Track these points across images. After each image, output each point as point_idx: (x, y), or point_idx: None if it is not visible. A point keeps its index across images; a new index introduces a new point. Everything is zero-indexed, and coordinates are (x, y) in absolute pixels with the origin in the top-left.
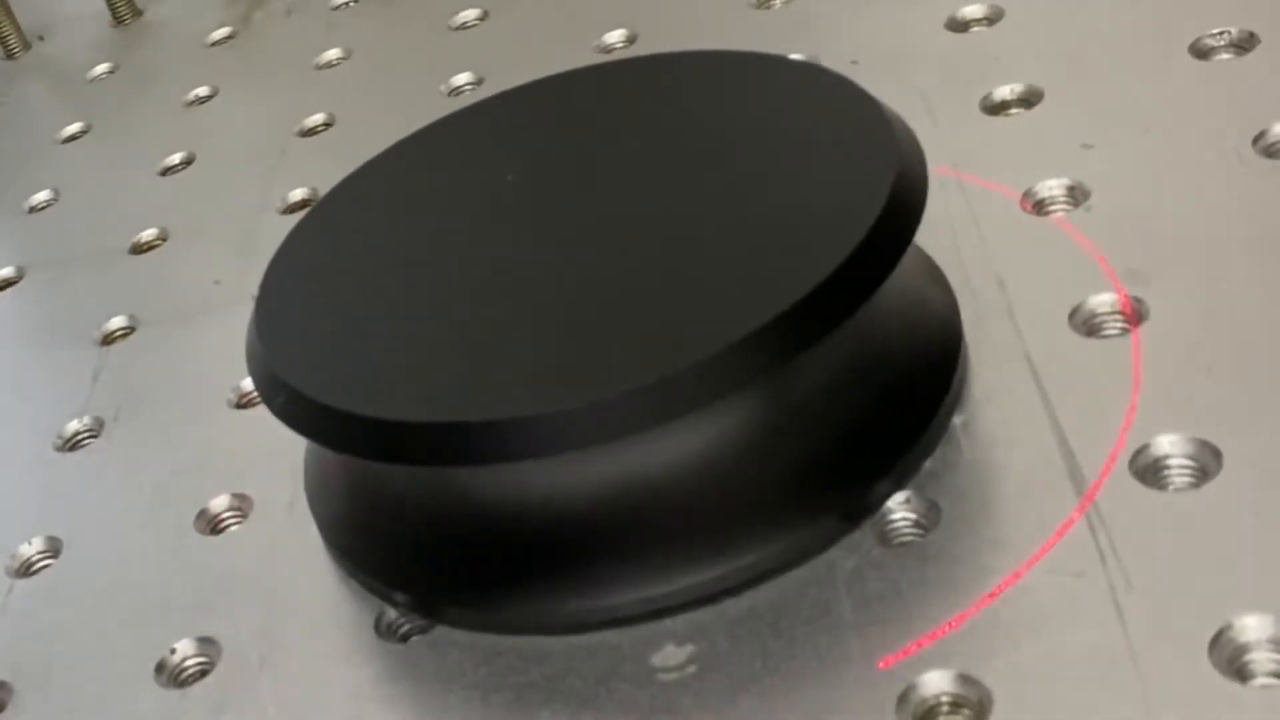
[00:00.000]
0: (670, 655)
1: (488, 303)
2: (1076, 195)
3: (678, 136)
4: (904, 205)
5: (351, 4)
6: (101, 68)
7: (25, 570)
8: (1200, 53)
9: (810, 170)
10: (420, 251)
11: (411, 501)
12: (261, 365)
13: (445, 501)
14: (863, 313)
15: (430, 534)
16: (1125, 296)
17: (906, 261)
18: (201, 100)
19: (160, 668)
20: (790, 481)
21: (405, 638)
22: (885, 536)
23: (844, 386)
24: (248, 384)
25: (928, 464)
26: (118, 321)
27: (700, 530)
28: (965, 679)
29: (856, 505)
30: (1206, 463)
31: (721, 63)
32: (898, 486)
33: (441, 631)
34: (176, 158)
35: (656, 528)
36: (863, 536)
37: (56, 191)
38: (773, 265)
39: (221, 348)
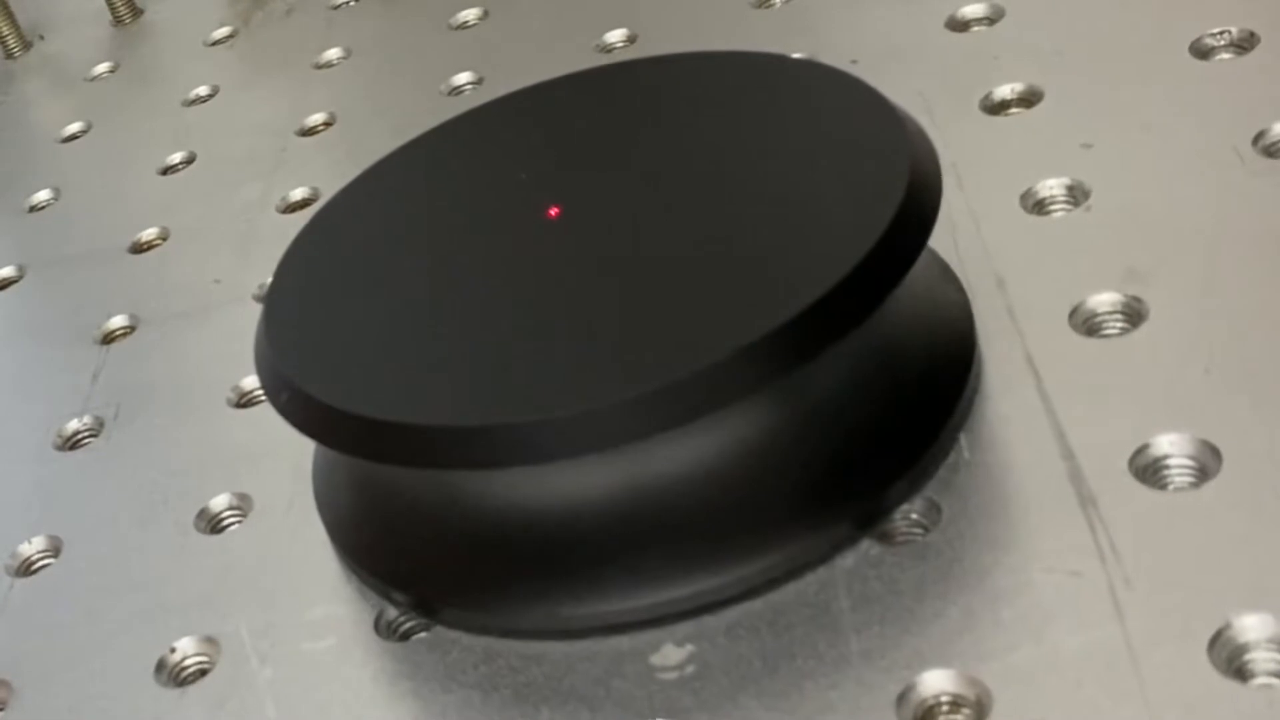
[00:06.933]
0: (669, 655)
1: (496, 305)
2: (1076, 195)
3: (688, 138)
4: (919, 206)
5: (351, 4)
6: (101, 68)
7: (25, 569)
8: (1200, 52)
9: (823, 171)
10: (429, 253)
11: (413, 502)
12: (267, 363)
13: (447, 503)
14: (878, 316)
15: (431, 535)
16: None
17: (921, 262)
18: (201, 100)
19: (160, 667)
20: (803, 488)
21: (405, 636)
22: (884, 535)
23: (860, 391)
24: (248, 383)
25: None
26: (118, 321)
27: (708, 537)
28: (965, 678)
29: (870, 511)
30: (1206, 462)
31: (732, 63)
32: (912, 491)
33: (442, 630)
34: (176, 158)
35: (662, 535)
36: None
37: (57, 191)
38: (785, 268)
39: (222, 347)
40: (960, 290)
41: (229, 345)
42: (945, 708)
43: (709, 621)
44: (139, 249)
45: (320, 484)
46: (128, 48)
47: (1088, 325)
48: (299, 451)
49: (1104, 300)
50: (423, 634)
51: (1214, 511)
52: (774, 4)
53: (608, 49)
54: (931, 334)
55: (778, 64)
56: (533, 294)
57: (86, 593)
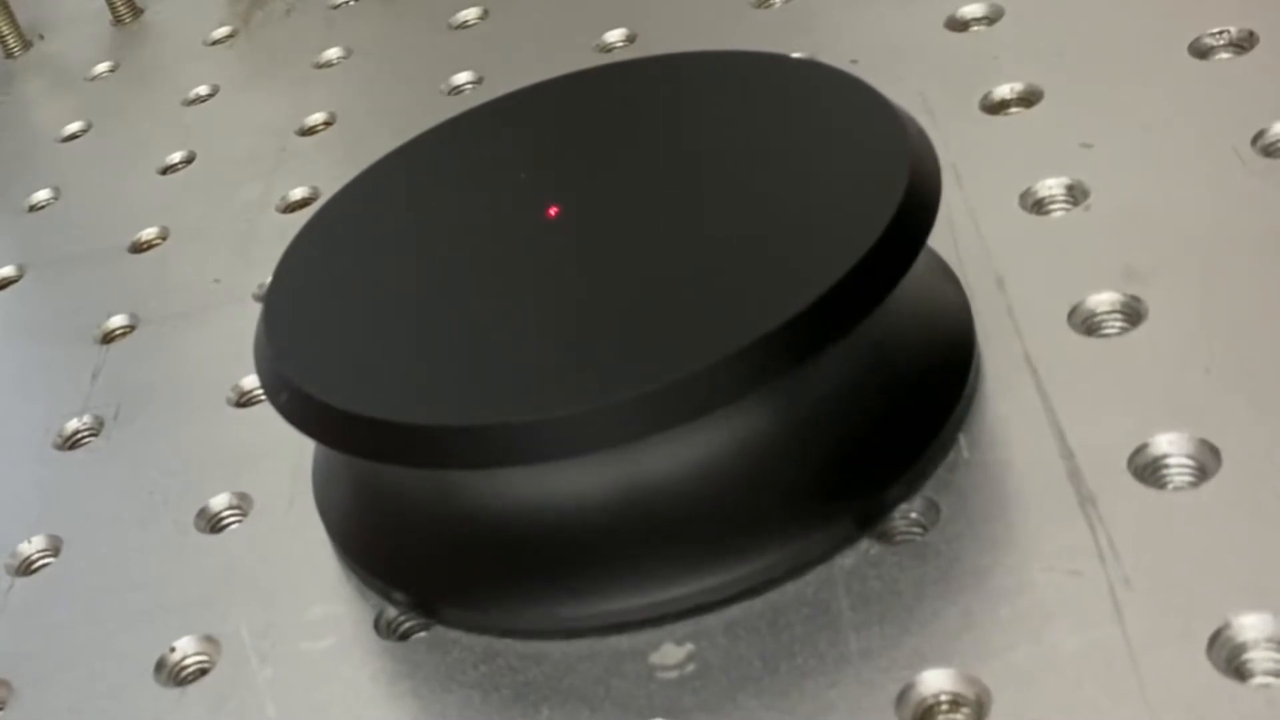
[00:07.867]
0: (669, 654)
1: (495, 305)
2: (1076, 194)
3: (688, 138)
4: (918, 205)
5: (351, 3)
6: (101, 67)
7: (25, 569)
8: (1200, 52)
9: (823, 171)
10: (428, 252)
11: (413, 502)
12: (267, 363)
13: (447, 503)
14: (877, 315)
15: (431, 535)
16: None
17: (920, 261)
18: (201, 100)
19: (160, 666)
20: (802, 487)
21: (405, 636)
22: (884, 535)
23: (859, 391)
24: (248, 382)
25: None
26: (118, 320)
27: (707, 537)
28: (964, 678)
29: (870, 511)
30: (1206, 462)
31: (732, 63)
32: (912, 490)
33: (441, 630)
34: (176, 157)
35: (662, 534)
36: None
37: (57, 190)
38: (784, 268)
39: (221, 346)
40: (960, 290)
41: (229, 345)
42: (945, 707)
43: (708, 621)
44: (139, 249)
45: (320, 484)
46: (128, 48)
47: (1087, 325)
48: (299, 451)
49: (1103, 300)
50: (422, 634)
51: (1213, 511)
52: (774, 4)
53: (608, 49)
54: (931, 334)
55: (778, 64)
56: (532, 294)
57: (86, 593)
